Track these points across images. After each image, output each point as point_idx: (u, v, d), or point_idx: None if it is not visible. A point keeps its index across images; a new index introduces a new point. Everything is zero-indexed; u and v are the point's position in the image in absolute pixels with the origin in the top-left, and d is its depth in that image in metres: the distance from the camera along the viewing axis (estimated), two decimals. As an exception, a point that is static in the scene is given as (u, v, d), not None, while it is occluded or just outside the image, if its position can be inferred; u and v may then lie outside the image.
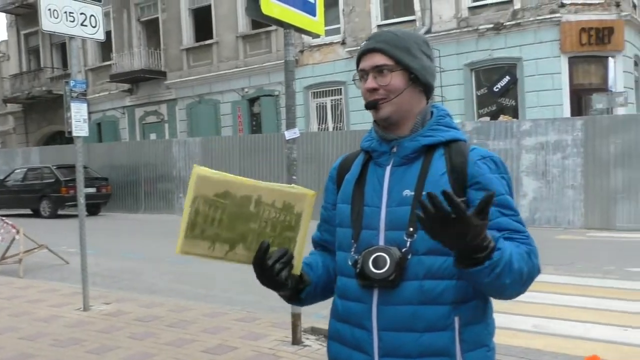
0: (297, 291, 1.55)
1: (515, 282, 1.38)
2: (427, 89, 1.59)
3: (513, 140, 12.80)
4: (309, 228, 1.50)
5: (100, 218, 17.16)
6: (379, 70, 1.53)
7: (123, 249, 10.58)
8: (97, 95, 24.20)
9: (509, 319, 5.30)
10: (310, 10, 4.84)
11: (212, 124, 21.26)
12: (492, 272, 1.32)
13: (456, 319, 1.45)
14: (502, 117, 14.87)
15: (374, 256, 1.46)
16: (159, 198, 18.40)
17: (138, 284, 7.63)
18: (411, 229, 1.46)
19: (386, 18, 17.73)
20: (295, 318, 4.65)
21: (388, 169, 1.56)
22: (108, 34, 22.99)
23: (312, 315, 4.97)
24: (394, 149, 1.56)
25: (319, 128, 18.78)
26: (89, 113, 6.71)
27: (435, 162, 1.52)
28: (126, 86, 23.59)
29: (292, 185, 1.50)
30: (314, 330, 4.92)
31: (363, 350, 1.50)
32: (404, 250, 1.46)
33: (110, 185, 18.38)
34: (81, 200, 6.14)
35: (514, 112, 15.58)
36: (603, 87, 15.09)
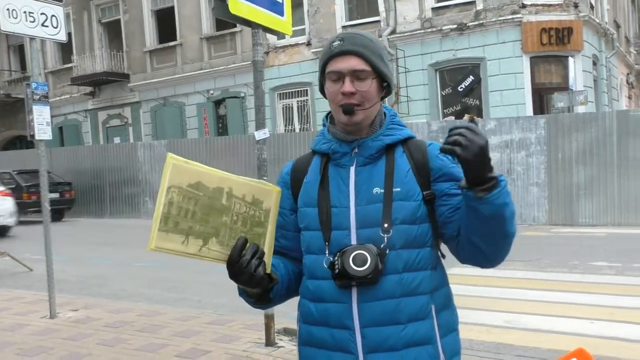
0: (267, 290, 1.54)
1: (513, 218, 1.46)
2: (387, 94, 1.64)
3: (478, 139, 12.97)
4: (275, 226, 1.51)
5: (64, 224, 16.79)
6: (357, 75, 1.53)
7: (89, 254, 10.37)
8: (58, 98, 23.68)
9: (481, 315, 5.36)
10: (278, 10, 4.82)
11: (177, 126, 21.02)
12: (507, 192, 1.40)
13: (432, 307, 1.52)
14: (466, 117, 14.94)
15: (353, 255, 1.47)
16: (124, 202, 18.12)
17: (106, 290, 7.49)
18: (386, 225, 1.50)
19: (351, 19, 17.79)
20: (269, 319, 4.62)
21: (352, 169, 1.58)
22: (68, 35, 22.52)
23: (287, 316, 4.94)
24: (356, 150, 1.58)
25: (285, 129, 18.75)
26: (51, 117, 6.56)
27: (398, 160, 1.57)
28: (88, 89, 23.15)
29: (260, 180, 1.50)
30: (287, 331, 4.90)
31: (346, 349, 1.51)
32: (382, 245, 1.49)
33: (74, 190, 18.01)
34: (46, 206, 6.00)
35: (478, 111, 15.80)
36: (564, 86, 15.42)
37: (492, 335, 4.88)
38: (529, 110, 15.12)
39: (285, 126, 18.94)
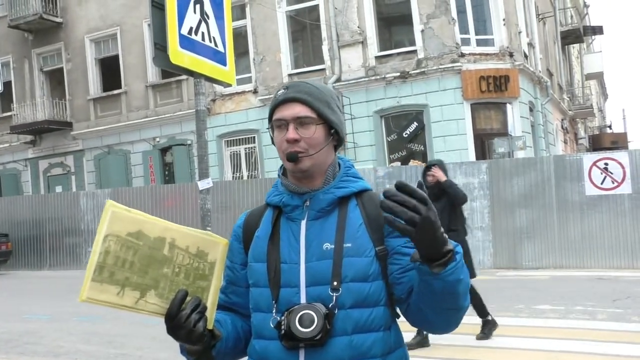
0: (208, 347, 1.46)
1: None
2: (339, 143, 1.60)
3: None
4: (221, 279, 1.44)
5: (-1, 278, 16.03)
6: (300, 121, 1.50)
7: (25, 309, 9.86)
8: (-5, 147, 22.97)
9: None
10: (221, 59, 4.81)
11: (122, 174, 20.61)
12: (462, 266, 1.34)
13: None
14: (412, 162, 15.31)
15: (299, 315, 1.41)
16: (65, 253, 17.47)
17: (41, 348, 7.10)
18: (335, 283, 1.44)
19: (296, 67, 18.04)
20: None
21: (303, 223, 1.52)
22: (8, 84, 22.06)
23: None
24: (307, 203, 1.53)
25: (233, 176, 18.64)
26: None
27: (350, 214, 1.51)
28: (28, 138, 22.50)
29: (206, 231, 1.44)
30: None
31: None
32: (330, 305, 1.43)
33: (10, 242, 17.28)
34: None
35: (423, 157, 16.10)
36: (503, 132, 15.95)
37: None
38: (472, 156, 15.52)
39: (233, 173, 18.84)
